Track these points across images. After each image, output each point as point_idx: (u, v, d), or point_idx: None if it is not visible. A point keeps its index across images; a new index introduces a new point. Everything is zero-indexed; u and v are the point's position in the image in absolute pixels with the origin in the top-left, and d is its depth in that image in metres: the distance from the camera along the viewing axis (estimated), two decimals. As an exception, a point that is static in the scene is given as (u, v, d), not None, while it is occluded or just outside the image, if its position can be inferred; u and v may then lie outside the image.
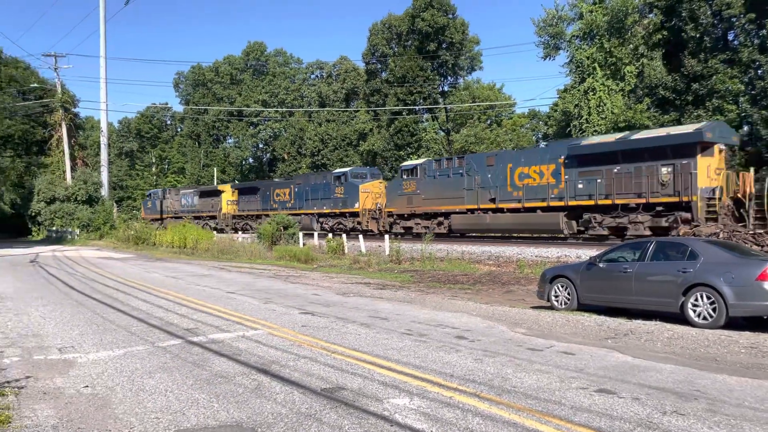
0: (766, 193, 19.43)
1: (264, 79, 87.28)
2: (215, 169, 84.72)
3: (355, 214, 35.09)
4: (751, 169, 21.32)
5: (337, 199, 36.09)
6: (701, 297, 9.59)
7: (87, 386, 6.47)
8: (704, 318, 9.54)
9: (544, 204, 24.82)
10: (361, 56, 66.03)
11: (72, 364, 7.46)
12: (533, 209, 25.27)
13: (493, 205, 26.75)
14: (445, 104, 61.64)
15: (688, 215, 20.43)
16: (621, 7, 37.68)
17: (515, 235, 27.98)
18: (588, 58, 39.53)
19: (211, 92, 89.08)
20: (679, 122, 34.77)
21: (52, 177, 50.31)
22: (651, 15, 39.41)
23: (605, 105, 38.69)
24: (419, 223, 31.06)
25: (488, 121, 68.06)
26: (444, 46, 59.05)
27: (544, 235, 25.82)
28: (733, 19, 34.78)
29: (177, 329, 9.68)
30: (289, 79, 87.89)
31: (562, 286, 11.77)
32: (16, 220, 53.72)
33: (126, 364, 7.38)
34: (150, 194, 62.01)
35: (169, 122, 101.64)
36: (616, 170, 22.50)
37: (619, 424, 5.15)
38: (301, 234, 30.81)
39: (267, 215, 39.48)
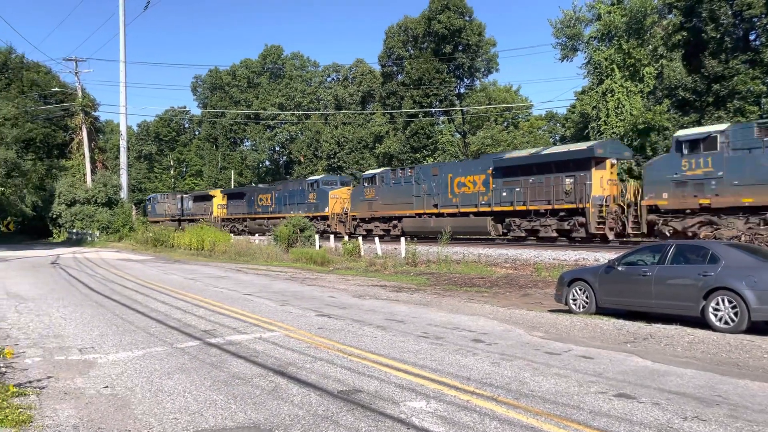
0: (639, 202, 22.30)
1: (281, 83, 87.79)
2: (232, 171, 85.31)
3: (325, 218, 38.34)
4: (632, 181, 24.38)
5: (310, 203, 39.69)
6: (723, 301, 9.46)
7: (107, 387, 6.54)
8: (726, 322, 9.41)
9: (476, 209, 28.25)
10: (377, 59, 66.20)
11: (92, 365, 7.55)
12: (467, 214, 28.70)
13: (436, 210, 30.24)
14: (461, 106, 61.51)
15: (582, 219, 23.77)
16: (640, 8, 37.37)
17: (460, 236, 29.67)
18: (606, 59, 39.23)
19: (228, 96, 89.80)
20: (699, 123, 34.38)
21: (72, 180, 50.96)
22: (670, 15, 39.04)
23: (624, 107, 38.36)
24: (378, 226, 34.27)
25: (505, 123, 67.76)
26: (460, 48, 58.96)
27: (477, 237, 28.53)
28: (755, 20, 34.34)
29: (195, 331, 9.75)
30: (306, 82, 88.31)
31: (580, 290, 11.67)
32: (37, 222, 54.46)
33: (145, 365, 7.45)
34: (150, 198, 63.95)
35: (187, 125, 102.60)
36: (531, 181, 25.75)
37: (639, 430, 5.09)
38: (317, 236, 30.91)
39: (252, 218, 44.24)
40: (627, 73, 38.87)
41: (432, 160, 54.54)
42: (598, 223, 23.37)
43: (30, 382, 6.66)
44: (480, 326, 10.22)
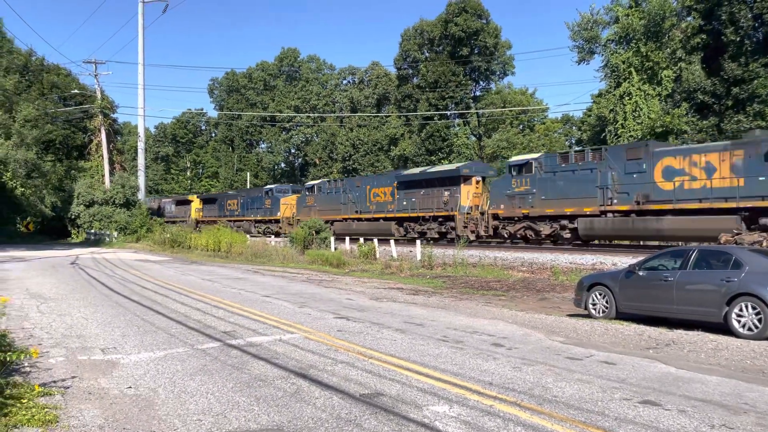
0: (488, 210, 28.55)
1: (297, 85, 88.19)
2: (248, 173, 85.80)
3: (277, 221, 44.12)
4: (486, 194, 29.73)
5: (266, 209, 45.92)
6: (746, 307, 9.34)
7: (130, 387, 6.59)
8: (749, 329, 9.29)
9: (384, 215, 34.48)
10: (393, 62, 66.25)
11: (115, 365, 7.61)
12: (379, 219, 34.90)
13: (357, 215, 36.48)
14: (476, 109, 61.37)
15: (453, 224, 29.99)
16: (658, 11, 37.07)
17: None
18: (624, 62, 38.97)
19: (244, 98, 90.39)
20: (718, 127, 34.05)
21: (91, 181, 51.51)
22: (689, 18, 38.70)
23: (641, 110, 38.06)
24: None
25: (520, 126, 67.48)
26: (476, 50, 58.83)
27: (387, 237, 31.72)
28: (776, 22, 33.91)
29: (215, 332, 9.81)
30: (321, 85, 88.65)
31: (600, 294, 11.58)
32: (56, 223, 55.09)
33: (167, 366, 7.50)
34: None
35: (203, 127, 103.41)
36: (422, 193, 32.08)
37: (666, 437, 5.03)
38: (332, 239, 30.98)
39: (221, 220, 49.30)
40: (645, 77, 38.59)
41: (447, 162, 54.48)
42: (464, 226, 29.60)
43: (54, 381, 6.73)
44: (499, 330, 10.17)
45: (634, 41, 38.91)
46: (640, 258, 13.72)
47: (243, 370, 7.28)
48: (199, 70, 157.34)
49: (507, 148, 57.83)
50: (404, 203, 33.06)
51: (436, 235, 31.26)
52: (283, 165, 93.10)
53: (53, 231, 56.33)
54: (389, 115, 70.87)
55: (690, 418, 5.55)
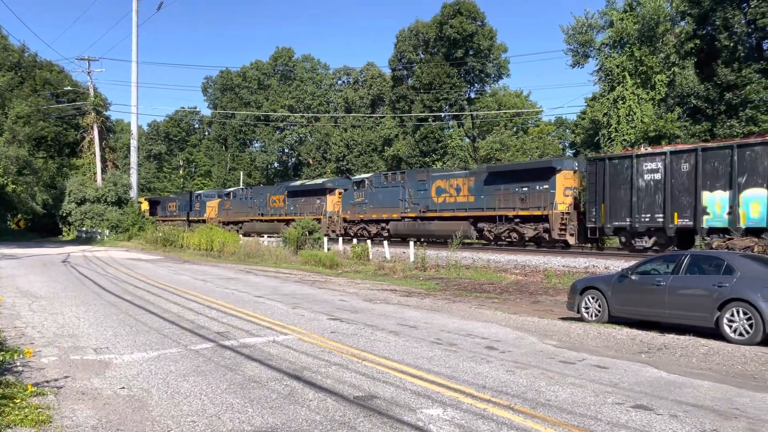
0: (341, 214, 36.90)
1: (291, 85, 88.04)
2: (241, 172, 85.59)
3: (204, 221, 50.55)
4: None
5: (196, 210, 54.51)
6: (737, 312, 9.41)
7: (123, 387, 6.57)
8: (740, 334, 9.36)
9: (278, 217, 42.68)
10: (387, 62, 66.29)
11: (108, 365, 7.58)
12: (273, 221, 42.87)
13: (260, 217, 44.74)
14: (471, 111, 61.49)
15: (319, 225, 34.17)
16: (652, 16, 37.27)
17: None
18: (618, 66, 39.17)
19: (238, 97, 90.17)
20: (711, 132, 34.26)
21: (83, 178, 51.22)
22: (683, 23, 38.94)
23: (635, 114, 38.25)
24: (232, 228, 46.04)
25: (514, 129, 67.68)
26: (471, 52, 58.94)
27: (279, 233, 37.68)
28: (768, 29, 34.17)
29: (208, 332, 9.79)
30: (316, 85, 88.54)
31: (593, 298, 11.64)
32: (47, 220, 54.75)
33: (160, 367, 7.48)
34: None
35: (197, 126, 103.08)
36: (303, 200, 40.76)
37: (659, 442, 5.07)
38: (326, 239, 30.95)
39: (163, 220, 55.66)
40: (639, 81, 38.80)
41: (441, 164, 54.57)
42: (328, 226, 37.07)
43: (47, 381, 6.70)
44: (493, 333, 10.20)
45: (628, 45, 39.12)
46: (633, 262, 13.79)
47: (237, 372, 7.28)
48: (193, 68, 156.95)
49: (501, 150, 58.00)
50: (291, 208, 41.54)
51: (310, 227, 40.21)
52: (276, 164, 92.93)
53: (44, 229, 56.00)
54: (383, 116, 70.90)
55: (682, 423, 5.59)
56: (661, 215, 20.99)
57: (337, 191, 38.26)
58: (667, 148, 22.14)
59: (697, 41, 37.31)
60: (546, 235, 25.61)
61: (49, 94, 55.57)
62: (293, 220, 36.99)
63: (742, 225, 18.67)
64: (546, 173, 25.94)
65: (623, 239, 22.75)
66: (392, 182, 33.64)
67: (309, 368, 7.47)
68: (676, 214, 20.62)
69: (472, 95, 63.93)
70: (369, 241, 28.96)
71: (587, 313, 11.69)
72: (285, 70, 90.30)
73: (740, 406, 6.22)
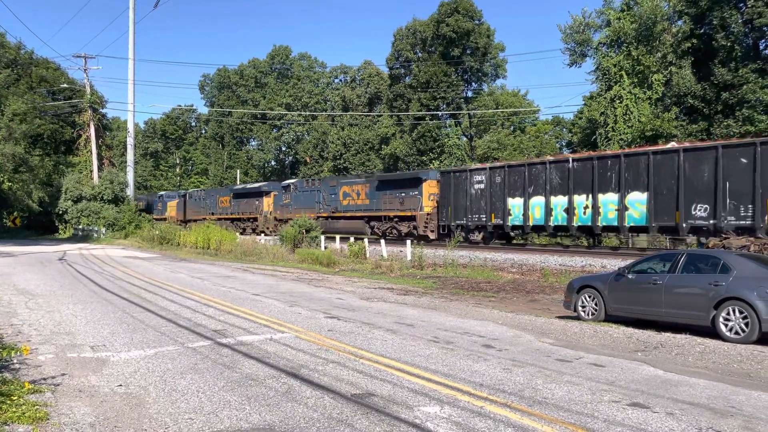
0: (273, 214, 42.86)
1: (288, 83, 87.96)
2: (238, 171, 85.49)
3: (165, 219, 54.84)
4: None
5: (158, 209, 59.91)
6: (733, 311, 9.45)
7: (121, 385, 6.56)
8: (736, 333, 9.40)
9: (226, 216, 47.80)
10: (385, 61, 66.23)
11: (105, 363, 7.58)
12: (221, 219, 46.61)
13: (212, 215, 48.09)
14: (468, 110, 61.50)
15: (257, 223, 43.31)
16: (650, 15, 37.30)
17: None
18: (615, 65, 39.22)
19: (235, 95, 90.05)
20: (708, 131, 34.31)
21: (79, 176, 51.08)
22: (680, 23, 39.00)
23: (632, 113, 38.31)
24: (192, 225, 47.06)
25: (511, 128, 67.73)
26: (468, 51, 58.93)
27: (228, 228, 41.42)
28: (765, 28, 34.25)
29: (205, 330, 9.79)
30: (313, 83, 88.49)
31: (590, 297, 11.67)
32: (43, 218, 54.65)
33: (157, 364, 7.48)
34: None
35: (193, 124, 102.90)
36: (245, 201, 46.16)
37: (655, 440, 5.09)
38: (323, 237, 30.94)
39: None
40: (636, 80, 38.85)
41: (438, 163, 54.61)
42: (264, 223, 42.84)
43: (44, 379, 6.69)
44: (490, 331, 10.22)
45: (625, 45, 39.17)
46: (630, 261, 13.84)
47: (234, 369, 7.28)
48: (190, 66, 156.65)
49: (498, 149, 58.06)
50: (236, 208, 47.56)
51: (250, 229, 44.36)
52: (273, 163, 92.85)
53: (40, 226, 55.88)
54: (381, 115, 70.88)
55: (678, 421, 5.61)
56: (484, 216, 27.69)
57: (272, 194, 43.76)
58: (487, 165, 29.39)
59: (694, 41, 37.38)
60: (415, 231, 31.76)
61: (46, 92, 55.42)
62: (238, 218, 46.46)
63: (531, 223, 25.63)
64: (416, 182, 32.18)
65: (463, 234, 28.63)
66: (311, 187, 40.16)
67: (306, 366, 7.48)
68: (493, 215, 27.27)
69: (470, 94, 63.93)
70: (366, 240, 28.97)
71: (584, 311, 11.72)
72: (282, 69, 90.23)
73: (736, 404, 6.24)
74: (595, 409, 5.91)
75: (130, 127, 51.98)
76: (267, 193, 44.03)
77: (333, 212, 37.22)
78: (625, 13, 39.59)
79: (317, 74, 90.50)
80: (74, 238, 48.07)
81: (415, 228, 31.87)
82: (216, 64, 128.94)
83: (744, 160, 18.98)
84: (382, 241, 28.47)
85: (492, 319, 11.58)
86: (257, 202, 44.61)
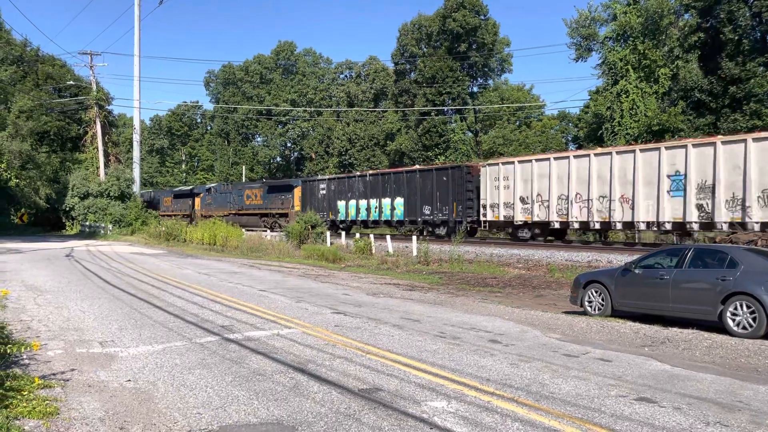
0: (200, 212, 49.13)
1: (293, 79, 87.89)
2: (244, 167, 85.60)
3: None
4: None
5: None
6: (741, 306, 9.42)
7: (129, 380, 6.61)
8: (743, 327, 9.37)
9: (166, 213, 53.57)
10: (390, 56, 66.15)
11: (113, 358, 7.63)
12: (161, 216, 51.49)
13: (163, 213, 53.79)
14: (473, 105, 61.36)
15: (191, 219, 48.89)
16: (656, 9, 37.08)
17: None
18: (621, 59, 39.03)
19: (240, 91, 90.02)
20: (715, 126, 34.12)
21: (86, 173, 51.27)
22: (687, 16, 38.76)
23: (638, 108, 38.12)
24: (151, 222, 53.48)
25: (517, 123, 67.53)
26: (474, 47, 58.77)
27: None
28: (773, 22, 33.98)
29: (213, 326, 9.83)
30: (318, 79, 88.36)
31: (596, 292, 11.65)
32: (50, 215, 54.87)
33: (166, 360, 7.53)
34: None
35: (199, 120, 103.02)
36: (181, 201, 53.78)
37: (662, 434, 5.09)
38: (328, 233, 30.99)
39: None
40: (642, 74, 38.67)
41: (443, 158, 54.55)
42: (199, 220, 45.66)
43: (54, 374, 6.75)
44: (496, 327, 10.23)
45: (631, 39, 38.97)
46: (636, 256, 13.80)
47: (242, 365, 7.32)
48: (195, 62, 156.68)
49: (503, 144, 57.92)
50: (175, 206, 54.84)
51: (185, 221, 48.05)
52: (279, 159, 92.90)
53: (48, 223, 56.13)
54: (386, 110, 70.79)
55: (685, 416, 5.61)
56: (325, 213, 36.81)
57: (201, 194, 51.38)
58: (326, 177, 40.03)
59: (701, 34, 37.15)
60: (288, 225, 36.74)
61: (52, 89, 55.59)
62: (176, 215, 52.52)
63: (349, 219, 35.56)
64: (289, 188, 41.68)
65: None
66: (225, 190, 48.77)
67: (313, 361, 7.51)
68: (330, 213, 36.90)
69: (475, 89, 63.79)
70: (372, 236, 29.01)
71: (590, 306, 11.71)
72: (287, 65, 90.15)
73: (743, 398, 6.23)
74: (603, 404, 5.91)
75: (136, 123, 52.10)
76: (197, 194, 52.11)
77: (239, 210, 45.57)
78: (631, 6, 39.37)
79: (322, 70, 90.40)
80: (81, 235, 48.29)
81: (288, 222, 38.61)
82: (221, 61, 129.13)
83: (444, 179, 29.82)
84: (388, 237, 28.50)
85: (498, 315, 11.59)
86: (190, 202, 52.49)
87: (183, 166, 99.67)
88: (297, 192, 40.54)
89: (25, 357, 7.31)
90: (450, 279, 18.42)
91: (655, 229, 22.14)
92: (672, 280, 10.34)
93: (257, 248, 29.66)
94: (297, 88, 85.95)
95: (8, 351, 6.17)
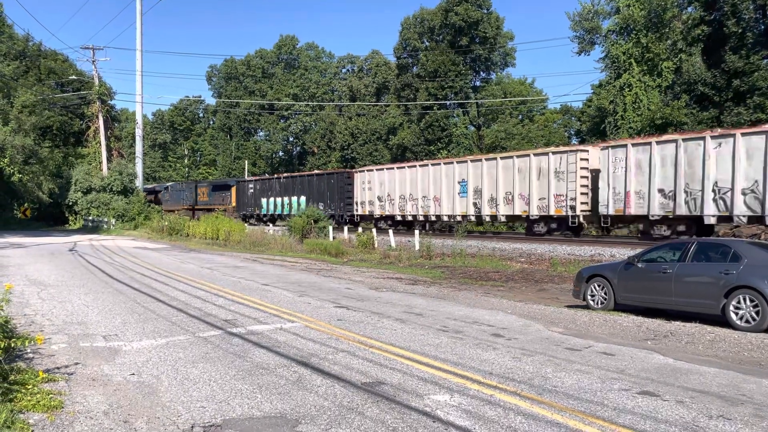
0: (164, 208, 53.41)
1: (295, 73, 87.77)
2: (246, 161, 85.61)
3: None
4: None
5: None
6: (744, 299, 9.41)
7: (133, 374, 6.63)
8: (747, 321, 9.37)
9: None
10: (392, 50, 65.98)
11: (117, 352, 7.65)
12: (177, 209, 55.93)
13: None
14: (476, 99, 61.20)
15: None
16: (659, 2, 36.91)
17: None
18: (624, 53, 38.87)
19: (242, 86, 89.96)
20: (718, 119, 33.99)
21: (88, 167, 51.34)
22: (690, 9, 38.57)
23: (641, 101, 38.00)
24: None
25: (520, 117, 67.33)
26: (477, 40, 58.57)
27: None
28: (777, 14, 33.78)
29: (216, 320, 9.85)
30: (320, 73, 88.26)
31: (599, 286, 11.65)
32: (53, 209, 54.93)
33: (169, 353, 7.55)
34: None
35: (201, 115, 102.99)
36: (151, 197, 55.26)
37: (665, 427, 5.10)
38: (331, 228, 30.99)
39: None
40: (645, 68, 38.51)
41: (446, 152, 54.47)
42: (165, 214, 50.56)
43: (58, 368, 6.77)
44: (499, 321, 10.24)
45: (634, 32, 38.79)
46: (639, 250, 13.79)
47: (245, 359, 7.33)
48: (197, 57, 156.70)
49: (506, 138, 57.77)
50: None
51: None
52: (281, 153, 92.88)
53: (50, 217, 56.23)
54: (388, 105, 70.65)
55: (688, 409, 5.61)
56: (253, 208, 45.31)
57: (161, 191, 58.76)
58: (254, 178, 48.92)
59: (705, 27, 36.97)
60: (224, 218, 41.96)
61: (54, 84, 55.59)
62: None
63: (269, 213, 43.20)
64: (228, 187, 49.45)
65: (250, 219, 44.92)
66: (181, 188, 56.18)
67: (316, 355, 7.52)
68: (256, 208, 45.00)
69: (478, 83, 63.60)
70: (374, 230, 29.02)
71: (593, 300, 11.71)
72: (289, 59, 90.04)
73: (747, 392, 6.23)
74: (605, 398, 5.92)
75: (139, 118, 52.13)
76: (158, 192, 59.54)
77: (192, 206, 52.06)
78: (634, 0, 39.16)
79: (324, 64, 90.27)
80: (84, 229, 48.39)
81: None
82: (223, 55, 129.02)
83: (332, 182, 37.84)
84: (390, 231, 28.50)
85: (501, 309, 11.59)
86: (152, 198, 57.21)
87: (185, 161, 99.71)
88: (233, 191, 48.31)
89: (29, 351, 7.34)
90: (452, 273, 18.43)
91: (452, 219, 30.06)
92: (675, 274, 10.33)
93: (260, 243, 29.68)
94: (299, 83, 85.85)
95: (12, 345, 6.19)
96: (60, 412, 5.33)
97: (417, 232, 26.90)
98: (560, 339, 8.80)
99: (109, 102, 53.69)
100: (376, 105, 73.74)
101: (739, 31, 34.82)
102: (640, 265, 11.05)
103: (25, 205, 54.97)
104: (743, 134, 19.23)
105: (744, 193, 18.86)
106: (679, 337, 9.05)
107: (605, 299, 11.51)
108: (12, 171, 40.58)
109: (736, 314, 9.48)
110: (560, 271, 18.33)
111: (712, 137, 19.93)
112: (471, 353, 7.74)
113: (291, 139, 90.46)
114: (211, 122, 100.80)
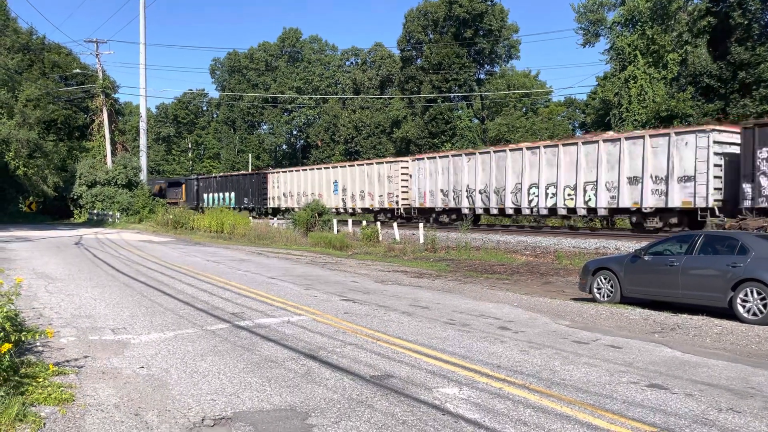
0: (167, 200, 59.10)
1: (299, 66, 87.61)
2: (250, 155, 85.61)
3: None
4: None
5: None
6: (751, 292, 9.39)
7: (143, 367, 6.66)
8: (754, 314, 9.35)
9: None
10: (396, 43, 65.75)
11: (126, 345, 7.69)
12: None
13: None
14: (480, 92, 61.02)
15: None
16: (665, -7, 36.64)
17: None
18: (629, 45, 38.67)
19: (246, 79, 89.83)
20: (724, 111, 33.84)
21: (93, 161, 51.36)
22: (696, 0, 38.30)
23: (647, 94, 37.82)
24: None
25: (524, 109, 67.13)
26: (481, 33, 58.33)
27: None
28: (784, 6, 33.55)
29: (223, 313, 9.89)
30: (324, 66, 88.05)
31: (605, 279, 11.63)
32: (58, 203, 55.04)
33: (178, 347, 7.58)
34: None
35: (205, 108, 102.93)
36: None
37: (675, 420, 5.10)
38: (335, 221, 31.01)
39: None
40: (650, 60, 38.31)
41: (450, 145, 54.37)
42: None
43: (68, 361, 6.81)
44: (505, 314, 10.25)
45: (639, 24, 38.57)
46: (645, 243, 13.76)
47: (253, 352, 7.36)
48: (200, 50, 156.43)
49: (510, 131, 57.61)
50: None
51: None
52: (285, 147, 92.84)
53: (56, 211, 56.35)
54: (392, 97, 70.51)
55: (697, 402, 5.61)
56: (197, 202, 52.54)
57: (153, 186, 61.48)
58: (196, 176, 60.20)
59: (711, 19, 36.74)
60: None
61: (58, 77, 55.55)
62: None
63: (209, 206, 47.56)
64: (180, 184, 58.05)
65: (196, 210, 46.99)
66: (150, 184, 56.82)
67: (324, 348, 7.55)
68: (199, 203, 52.97)
69: (482, 76, 63.38)
70: (378, 224, 29.03)
71: (599, 293, 11.70)
72: (292, 52, 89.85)
73: (755, 385, 6.23)
74: (614, 391, 5.93)
75: (143, 111, 52.11)
76: (142, 187, 66.83)
77: (155, 197, 56.93)
78: (640, -9, 38.90)
79: (328, 57, 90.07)
80: (89, 223, 48.51)
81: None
82: (226, 48, 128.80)
83: (253, 180, 47.54)
84: (395, 224, 28.51)
85: (507, 302, 11.60)
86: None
87: (189, 154, 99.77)
88: (184, 187, 58.30)
89: (38, 344, 7.38)
90: (457, 266, 18.43)
91: (360, 211, 37.59)
92: (682, 267, 10.31)
93: (264, 236, 29.73)
94: (303, 76, 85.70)
95: (22, 338, 6.22)
96: (71, 405, 5.36)
97: (422, 225, 26.88)
98: (567, 332, 8.81)
99: (113, 95, 53.63)
100: (380, 98, 73.59)
101: (745, 22, 34.60)
102: (646, 258, 11.02)
103: (31, 198, 55.12)
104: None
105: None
106: (687, 330, 9.04)
107: (611, 292, 11.49)
108: (17, 165, 40.68)
109: (744, 307, 9.47)
110: (565, 264, 18.31)
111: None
112: (478, 346, 7.75)
113: (295, 132, 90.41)
114: (215, 116, 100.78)
